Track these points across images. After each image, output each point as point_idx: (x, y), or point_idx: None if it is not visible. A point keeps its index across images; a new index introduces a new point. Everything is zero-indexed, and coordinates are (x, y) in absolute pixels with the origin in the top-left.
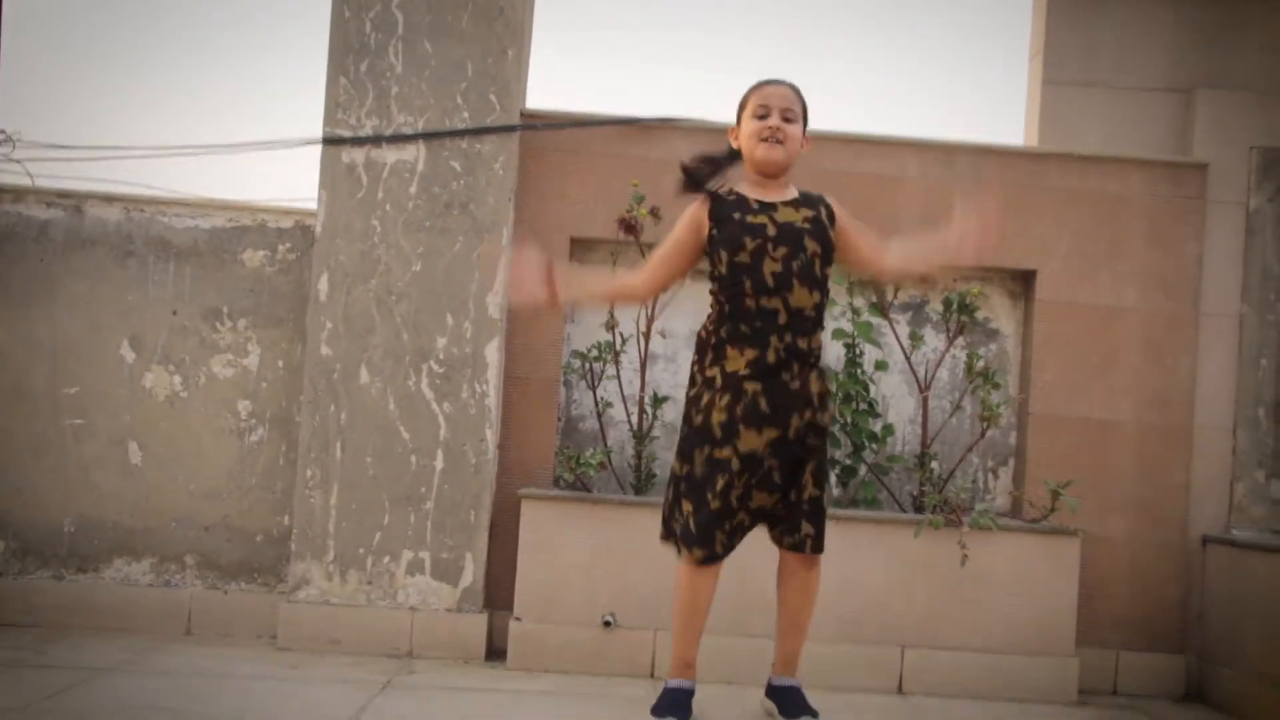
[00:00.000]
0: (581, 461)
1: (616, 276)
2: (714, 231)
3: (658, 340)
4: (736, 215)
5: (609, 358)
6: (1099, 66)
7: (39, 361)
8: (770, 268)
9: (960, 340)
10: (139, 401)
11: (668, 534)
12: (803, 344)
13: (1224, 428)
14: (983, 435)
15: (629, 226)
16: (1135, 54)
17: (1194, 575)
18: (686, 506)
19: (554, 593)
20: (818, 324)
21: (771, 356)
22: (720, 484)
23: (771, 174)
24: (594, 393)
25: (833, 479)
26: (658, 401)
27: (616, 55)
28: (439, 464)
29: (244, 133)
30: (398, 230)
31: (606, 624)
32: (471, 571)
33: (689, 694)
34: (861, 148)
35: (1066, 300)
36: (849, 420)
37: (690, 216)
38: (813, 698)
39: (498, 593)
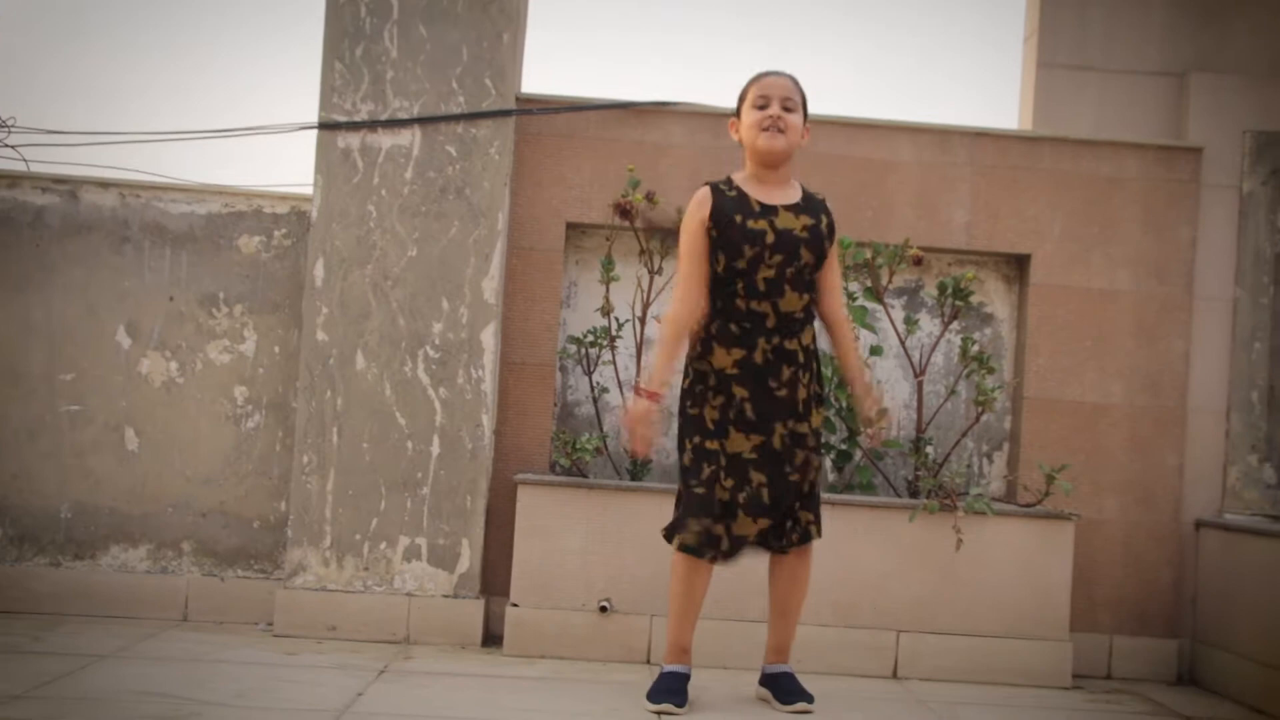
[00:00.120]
0: (577, 447)
1: (671, 329)
2: (713, 234)
3: (653, 325)
4: (738, 219)
5: (605, 343)
6: (1093, 50)
7: (35, 347)
8: (764, 274)
9: (955, 325)
10: (135, 387)
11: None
12: (790, 345)
13: (1217, 411)
14: (977, 420)
15: (624, 211)
16: (1129, 37)
17: (1187, 559)
18: (682, 492)
19: (550, 578)
20: (806, 322)
21: (759, 358)
22: (706, 472)
23: (773, 164)
24: (590, 378)
25: (828, 464)
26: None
27: (612, 39)
28: (435, 449)
29: (239, 117)
30: (393, 215)
31: (603, 609)
32: (468, 557)
33: (685, 679)
34: (854, 131)
35: (1060, 284)
36: (844, 405)
37: (697, 222)
38: (808, 682)
39: (494, 578)
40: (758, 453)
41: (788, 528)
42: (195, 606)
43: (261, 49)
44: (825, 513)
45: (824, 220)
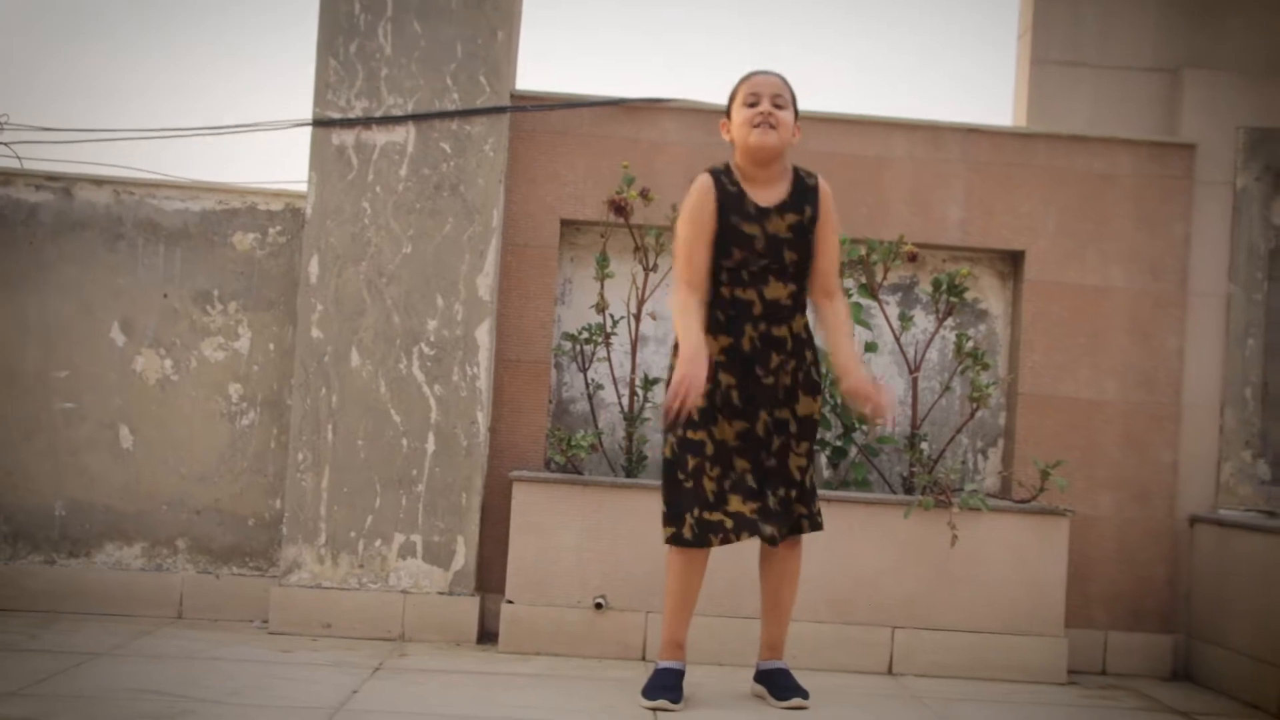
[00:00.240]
0: (573, 444)
1: (688, 304)
2: (715, 228)
3: (648, 322)
4: (734, 220)
5: (600, 340)
6: (1087, 46)
7: (29, 345)
8: (749, 269)
9: (949, 321)
10: (130, 385)
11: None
12: (779, 332)
13: (1211, 407)
14: (972, 416)
15: (619, 208)
16: (1123, 33)
17: (1181, 555)
18: (668, 485)
19: (545, 575)
20: (795, 311)
21: (746, 344)
22: (691, 464)
23: (765, 161)
24: (585, 375)
25: (823, 460)
26: (648, 383)
27: (607, 36)
28: (430, 446)
29: (239, 117)
30: (388, 212)
31: (598, 606)
32: (463, 554)
33: (679, 675)
34: (848, 128)
35: (1054, 280)
36: (839, 402)
37: (705, 211)
38: (803, 678)
39: (489, 575)
40: (741, 439)
41: (778, 513)
42: (190, 604)
43: (261, 49)
44: (821, 508)
45: (808, 211)
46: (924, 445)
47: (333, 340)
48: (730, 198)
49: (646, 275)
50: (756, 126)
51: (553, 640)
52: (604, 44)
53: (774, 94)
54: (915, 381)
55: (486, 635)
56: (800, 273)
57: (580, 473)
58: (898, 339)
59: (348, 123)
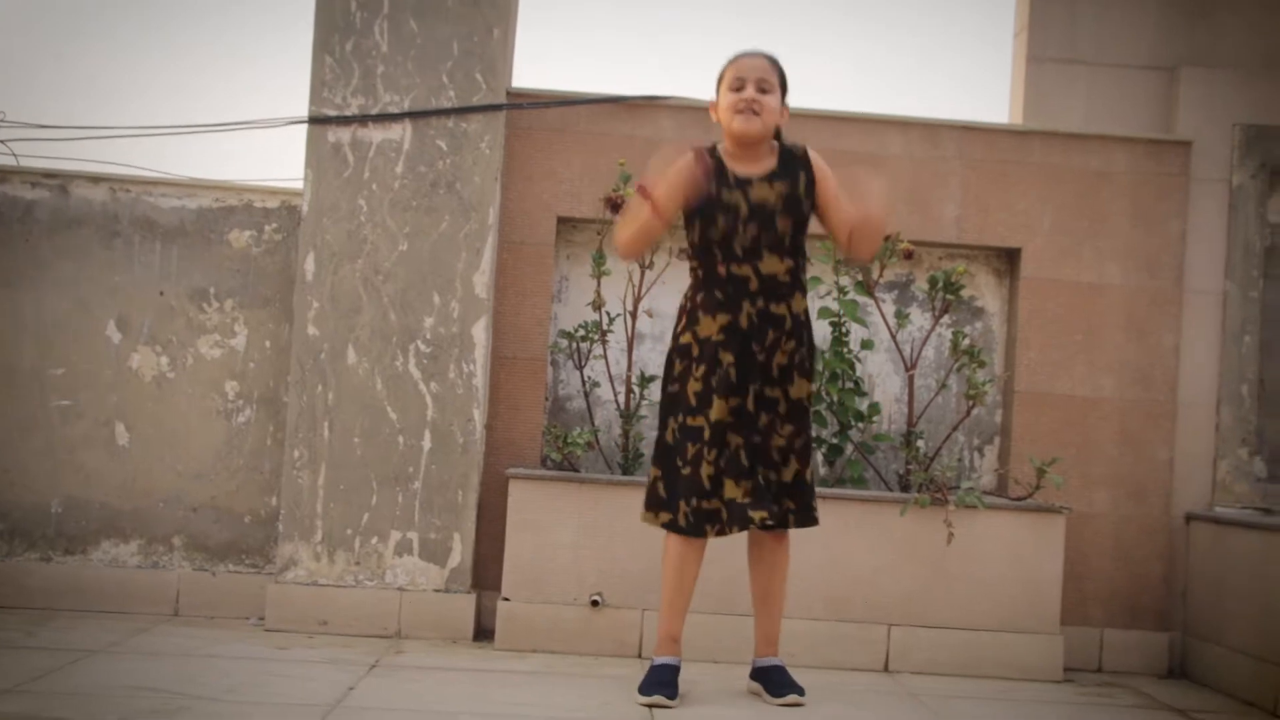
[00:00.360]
0: (569, 441)
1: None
2: (698, 198)
3: (644, 320)
4: (713, 188)
5: (596, 337)
6: (1083, 43)
7: (25, 342)
8: (740, 242)
9: (946, 318)
10: (126, 382)
11: (643, 505)
12: (777, 309)
13: (1207, 405)
14: (968, 413)
15: (615, 205)
16: (1119, 31)
17: (1178, 552)
18: (655, 471)
19: (541, 572)
20: (794, 288)
21: (744, 321)
22: (691, 452)
23: (748, 145)
24: (581, 372)
25: (819, 458)
26: (645, 381)
27: (604, 37)
28: (426, 444)
29: (229, 112)
30: (384, 209)
31: (594, 603)
32: (459, 552)
33: (675, 670)
34: (843, 125)
35: (1051, 278)
36: (835, 399)
37: (683, 170)
38: (799, 675)
39: (485, 573)
40: (734, 415)
41: (766, 494)
42: (186, 601)
43: (261, 49)
44: (816, 506)
45: (802, 178)
46: (920, 443)
47: (329, 338)
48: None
49: (643, 273)
50: (740, 113)
51: (549, 637)
52: (601, 45)
53: (759, 78)
54: (911, 379)
55: (483, 632)
56: (797, 247)
57: (576, 470)
58: (894, 336)
59: (344, 120)
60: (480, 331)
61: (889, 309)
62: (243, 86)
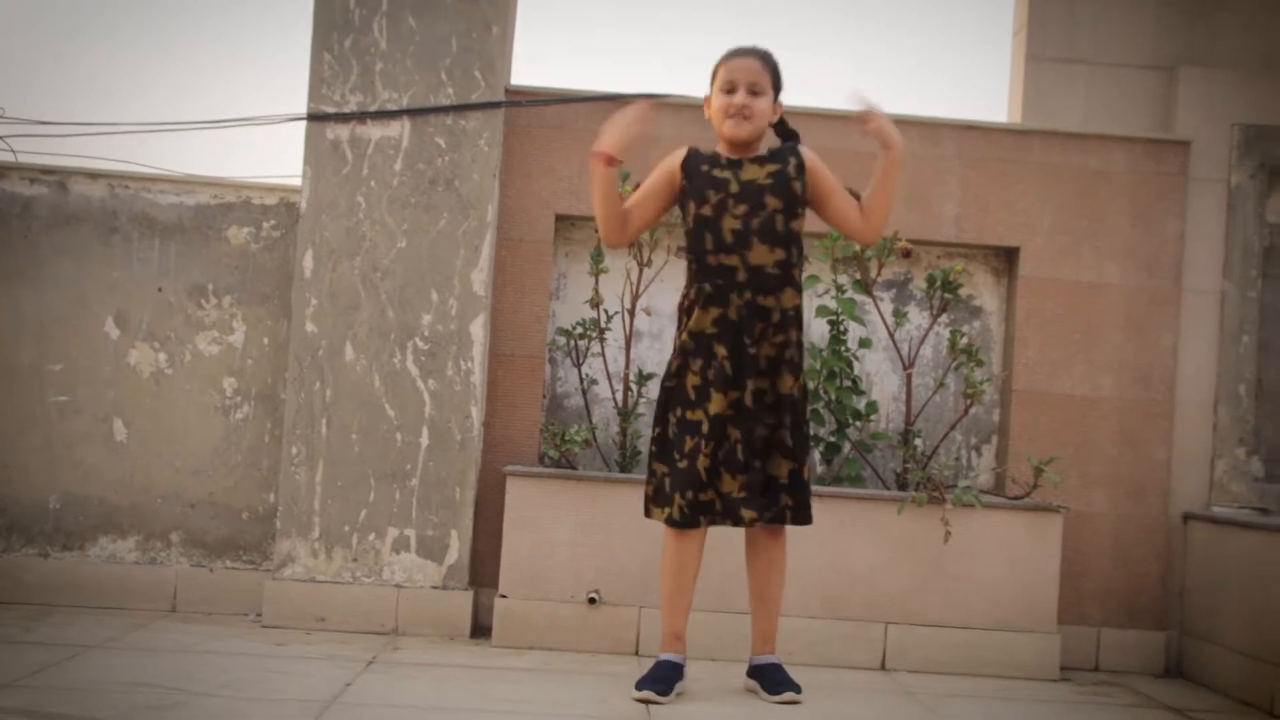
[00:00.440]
0: (566, 438)
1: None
2: (685, 184)
3: (642, 318)
4: (704, 168)
5: (594, 335)
6: (1082, 43)
7: (23, 338)
8: (730, 224)
9: (944, 317)
10: (124, 378)
11: (645, 502)
12: (766, 302)
13: (1205, 404)
14: (966, 412)
15: None
16: (1118, 30)
17: (1175, 552)
18: (660, 468)
19: (539, 570)
20: (784, 282)
21: (733, 314)
22: (689, 445)
23: (741, 144)
24: (579, 370)
25: (817, 456)
26: (643, 379)
27: (603, 30)
28: (424, 441)
29: (228, 109)
30: (382, 207)
31: (591, 601)
32: (457, 549)
33: (675, 667)
34: (843, 124)
35: (1049, 277)
36: (833, 398)
37: (665, 164)
38: (796, 673)
39: (483, 570)
40: (734, 408)
41: (760, 496)
42: (184, 597)
43: (262, 48)
44: (814, 504)
45: (791, 163)
46: (918, 442)
47: (327, 334)
48: (701, 157)
49: (641, 270)
50: (731, 118)
51: (546, 634)
52: (601, 45)
53: (750, 81)
54: (909, 378)
55: (480, 629)
56: (789, 236)
57: (574, 467)
58: (892, 335)
59: (342, 117)
60: (478, 329)
61: (887, 307)
62: (243, 87)
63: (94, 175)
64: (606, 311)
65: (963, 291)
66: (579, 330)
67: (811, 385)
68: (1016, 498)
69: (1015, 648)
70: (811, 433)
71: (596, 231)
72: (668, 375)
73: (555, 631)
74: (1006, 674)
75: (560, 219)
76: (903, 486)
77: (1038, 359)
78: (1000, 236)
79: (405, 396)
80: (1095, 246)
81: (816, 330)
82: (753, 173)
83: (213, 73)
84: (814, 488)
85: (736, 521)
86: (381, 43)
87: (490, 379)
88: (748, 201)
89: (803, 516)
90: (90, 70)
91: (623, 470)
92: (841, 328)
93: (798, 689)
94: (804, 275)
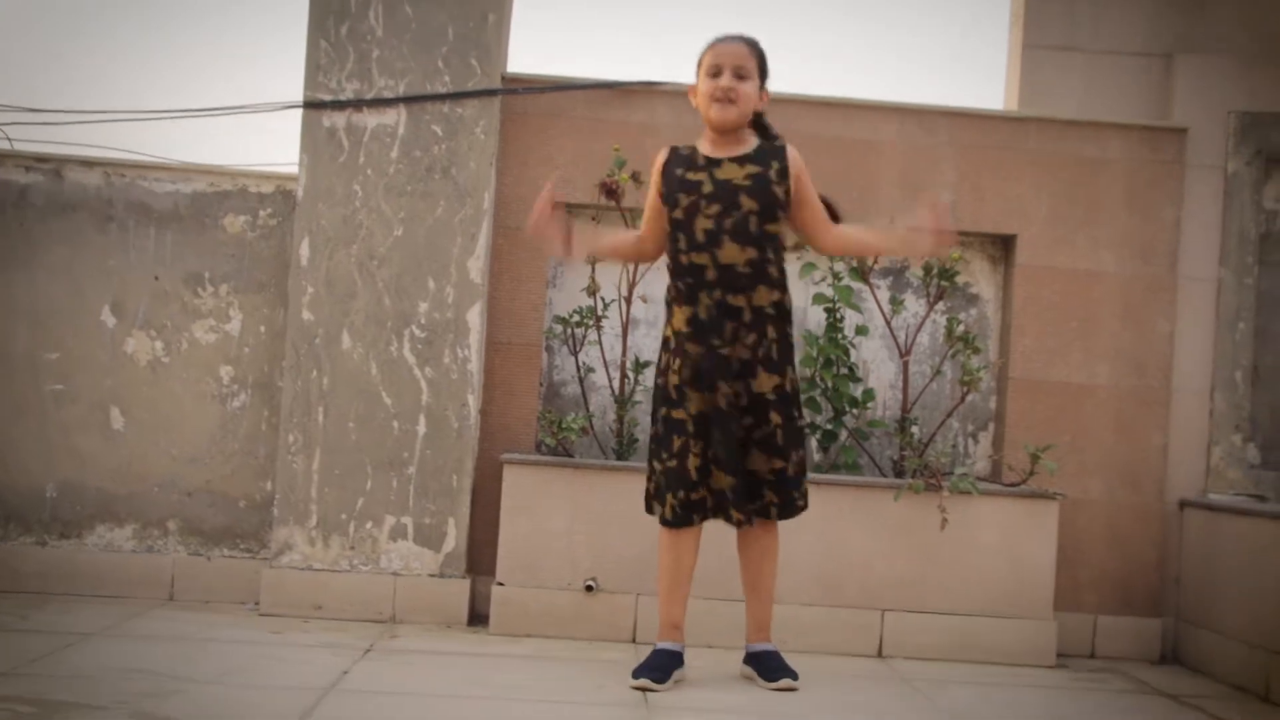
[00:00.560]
0: (563, 426)
1: (628, 234)
2: (663, 188)
3: (639, 305)
4: (679, 171)
5: (591, 323)
6: (1079, 31)
7: (19, 326)
8: (703, 224)
9: (940, 305)
10: (120, 366)
11: (646, 498)
12: (736, 301)
13: (1201, 391)
14: (963, 400)
15: (610, 191)
16: (1115, 18)
17: (1171, 539)
18: (655, 465)
19: (536, 557)
20: (757, 280)
21: (703, 313)
22: (676, 444)
23: (725, 132)
24: (576, 358)
25: (813, 444)
26: (639, 367)
27: (599, 17)
28: (421, 429)
29: (224, 96)
30: (379, 194)
31: (589, 588)
32: (454, 537)
33: (673, 655)
34: (837, 111)
35: (1045, 265)
36: (830, 385)
37: (653, 176)
38: (792, 660)
39: (480, 558)
40: (713, 408)
41: (745, 494)
42: (181, 586)
43: (262, 48)
44: (810, 492)
45: (774, 166)
46: (914, 429)
47: (324, 323)
48: (680, 159)
49: None
50: (717, 101)
51: (543, 622)
52: (601, 45)
53: (736, 65)
54: (906, 365)
55: (477, 617)
56: (764, 237)
57: (571, 455)
58: (888, 323)
59: (338, 105)
60: (475, 317)
61: (884, 295)
62: (243, 87)
63: (89, 163)
64: (603, 299)
65: (959, 279)
66: (576, 318)
67: (809, 373)
68: (1013, 485)
69: (1012, 634)
70: (808, 420)
71: (593, 219)
72: (656, 371)
73: (552, 619)
74: (1003, 661)
75: (557, 206)
76: (899, 474)
77: (1034, 346)
78: (996, 224)
79: (402, 384)
80: (1092, 234)
81: (813, 318)
82: (730, 172)
83: (212, 73)
84: (811, 475)
85: (728, 519)
86: (378, 30)
87: (487, 367)
88: (721, 201)
89: (788, 512)
90: (90, 70)
91: (619, 458)
92: (838, 315)
93: (794, 676)
94: (801, 264)
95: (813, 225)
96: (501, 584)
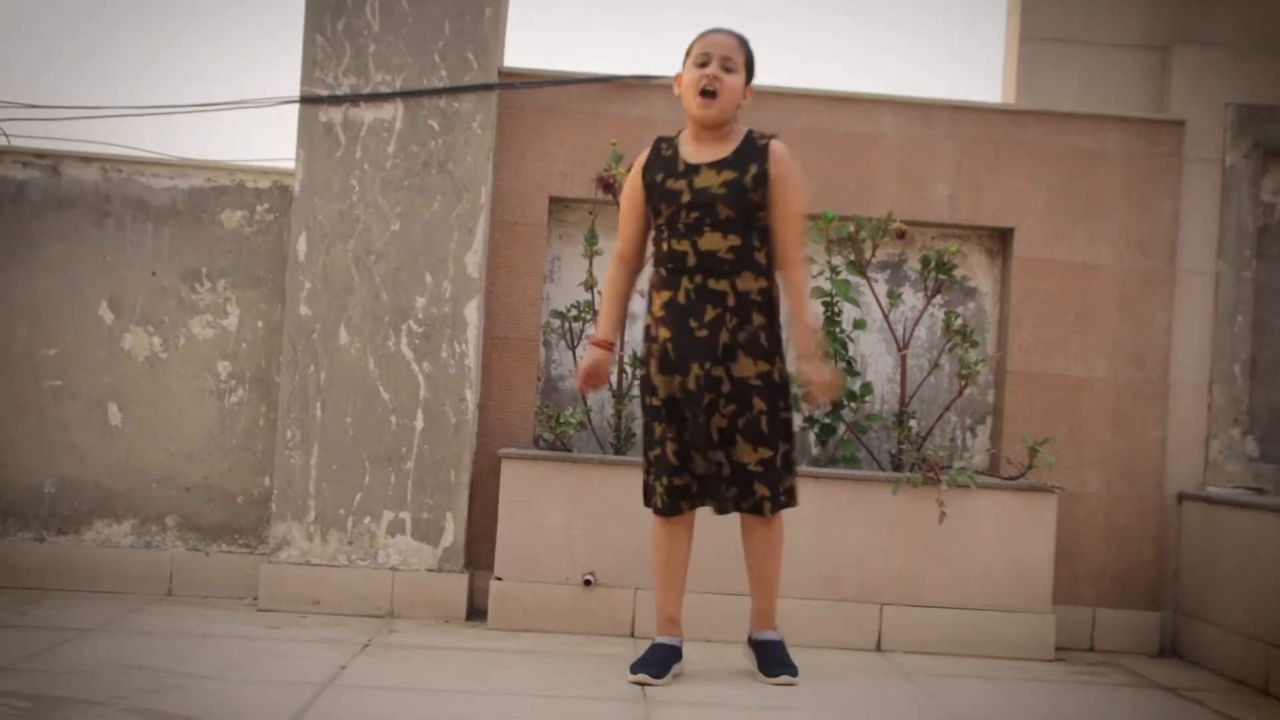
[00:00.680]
0: (561, 421)
1: (606, 285)
2: (645, 194)
3: (636, 299)
4: (659, 178)
5: (588, 317)
6: (1076, 23)
7: (17, 323)
8: (682, 222)
9: (938, 298)
10: (118, 362)
11: (644, 491)
12: (718, 285)
13: (1200, 384)
14: (961, 393)
15: (607, 185)
16: (1112, 11)
17: (1170, 532)
18: (650, 454)
19: (534, 552)
20: (741, 266)
21: (682, 298)
22: (658, 431)
23: (708, 125)
24: (573, 352)
25: (811, 438)
26: (636, 361)
27: (598, 17)
28: (419, 424)
29: (221, 92)
30: (376, 189)
31: (587, 583)
32: (452, 531)
33: (671, 650)
34: (836, 105)
35: (1043, 257)
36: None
37: (630, 181)
38: (792, 654)
39: (478, 552)
40: (681, 391)
41: (730, 485)
42: (180, 581)
43: (262, 49)
44: (808, 486)
45: (752, 171)
46: (913, 423)
47: (321, 318)
48: (661, 161)
49: None
50: (700, 94)
51: (541, 617)
52: (592, 17)
53: (724, 56)
54: (904, 359)
55: (475, 612)
56: (747, 227)
57: (569, 450)
58: (886, 316)
59: (335, 100)
60: (472, 311)
61: (881, 289)
62: (243, 88)
63: (87, 159)
64: (601, 293)
65: (957, 273)
66: (573, 312)
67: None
68: (1011, 478)
69: (1010, 628)
70: (807, 414)
71: (590, 214)
72: (638, 363)
73: (551, 614)
74: (1001, 654)
75: (554, 201)
76: (898, 467)
77: (1032, 340)
78: (994, 217)
79: (400, 379)
80: (1089, 227)
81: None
82: (708, 179)
83: (212, 73)
84: (809, 469)
85: (715, 506)
86: (374, 25)
87: (485, 362)
88: (700, 209)
89: (779, 504)
90: (90, 70)
91: (617, 452)
92: (836, 309)
93: (794, 672)
94: (763, 257)
95: (778, 235)
96: (500, 579)
